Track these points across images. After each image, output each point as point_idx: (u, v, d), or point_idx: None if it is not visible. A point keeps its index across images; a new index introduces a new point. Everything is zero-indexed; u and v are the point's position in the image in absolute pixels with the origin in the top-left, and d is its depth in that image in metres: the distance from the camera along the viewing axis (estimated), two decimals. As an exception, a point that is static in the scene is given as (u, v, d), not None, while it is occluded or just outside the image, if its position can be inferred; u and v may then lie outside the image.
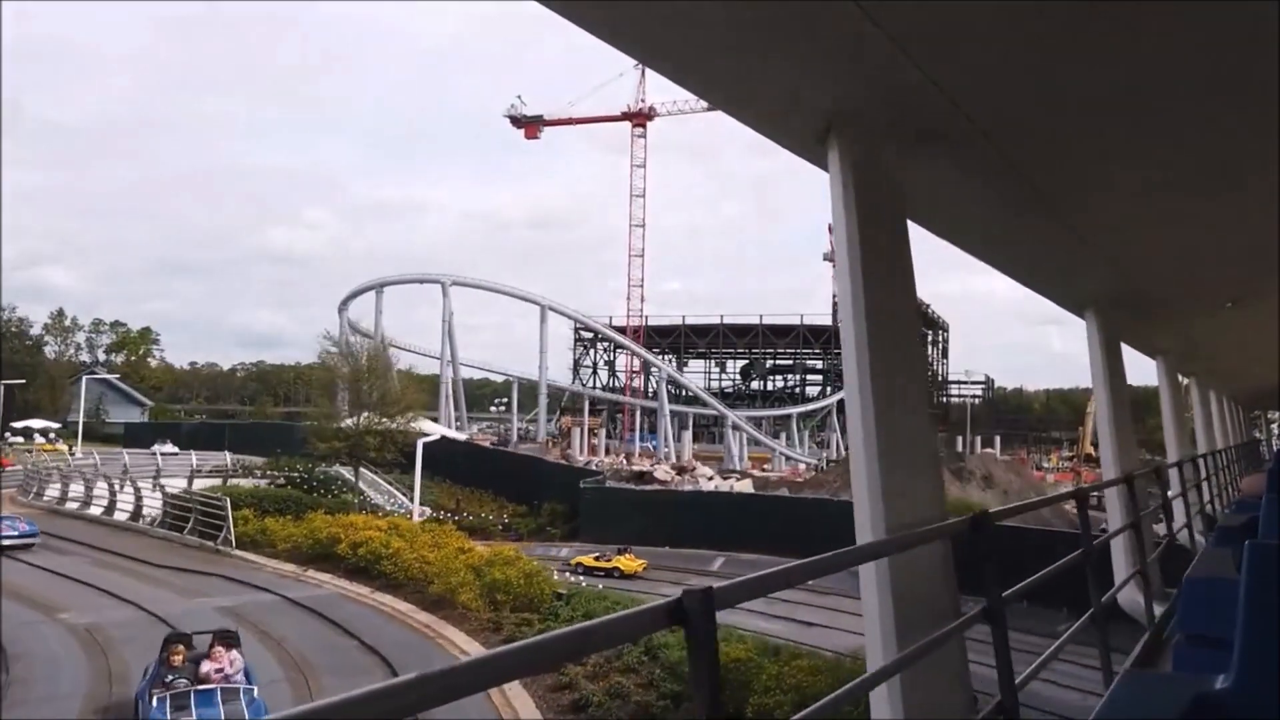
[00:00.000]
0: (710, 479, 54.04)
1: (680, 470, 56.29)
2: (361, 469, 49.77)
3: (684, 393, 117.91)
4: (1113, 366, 8.53)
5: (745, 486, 52.05)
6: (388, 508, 47.90)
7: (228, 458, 49.14)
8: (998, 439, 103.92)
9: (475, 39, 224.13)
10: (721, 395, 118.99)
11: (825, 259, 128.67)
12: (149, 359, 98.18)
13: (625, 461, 62.42)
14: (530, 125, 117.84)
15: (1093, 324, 8.40)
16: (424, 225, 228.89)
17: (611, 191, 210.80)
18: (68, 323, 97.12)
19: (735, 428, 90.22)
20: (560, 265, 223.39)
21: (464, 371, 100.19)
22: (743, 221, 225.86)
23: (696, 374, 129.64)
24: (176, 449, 56.15)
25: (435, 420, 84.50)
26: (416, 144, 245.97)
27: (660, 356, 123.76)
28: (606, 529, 45.07)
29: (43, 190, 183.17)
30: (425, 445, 55.49)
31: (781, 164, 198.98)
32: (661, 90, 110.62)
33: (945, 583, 3.66)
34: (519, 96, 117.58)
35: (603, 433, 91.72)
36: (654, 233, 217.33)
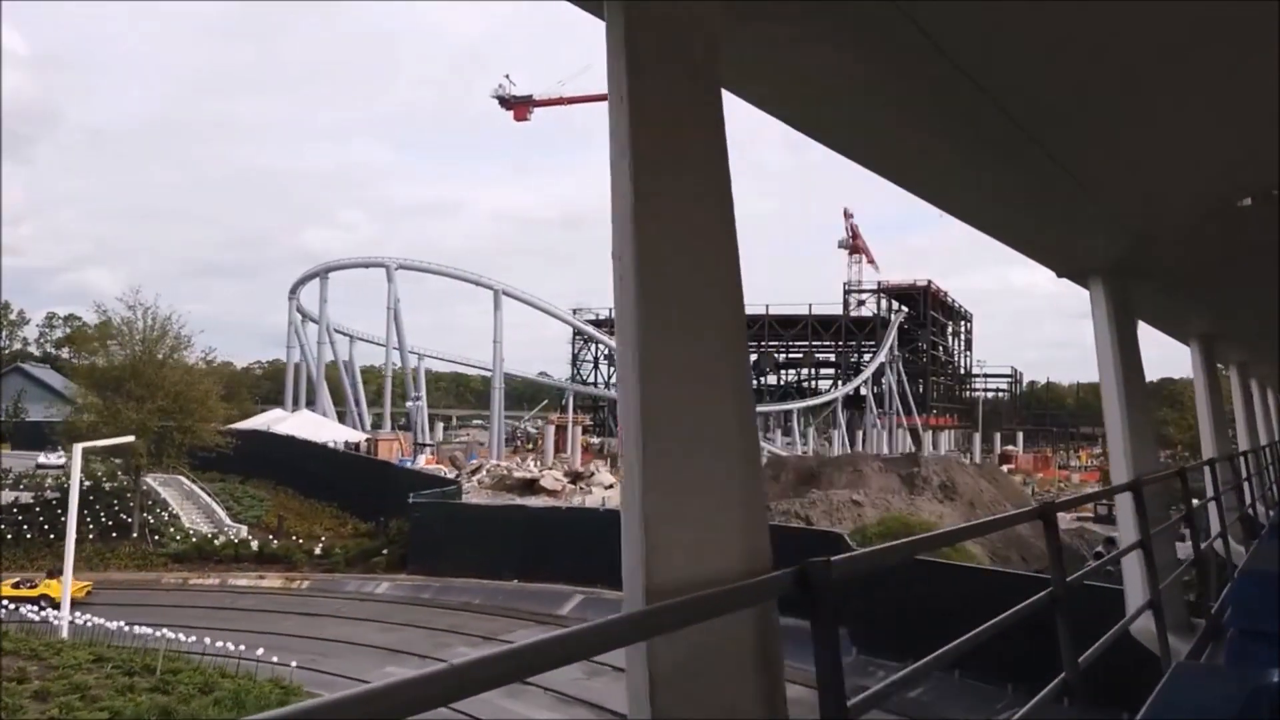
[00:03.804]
0: (609, 487, 42.52)
1: (575, 477, 44.74)
2: (179, 476, 39.53)
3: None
4: (1125, 348, 6.99)
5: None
6: (202, 528, 37.45)
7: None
8: (1020, 435, 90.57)
9: (511, 37, 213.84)
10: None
11: (840, 246, 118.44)
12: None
13: (535, 465, 50.95)
14: (519, 106, 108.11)
15: (1100, 296, 6.92)
16: (457, 224, 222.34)
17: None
18: (14, 315, 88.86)
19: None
20: (592, 261, 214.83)
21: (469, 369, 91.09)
22: (779, 215, 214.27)
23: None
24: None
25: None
26: (447, 144, 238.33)
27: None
28: (442, 556, 34.02)
29: (85, 194, 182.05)
30: (266, 445, 45.33)
31: (809, 159, 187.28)
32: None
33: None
34: (507, 76, 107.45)
35: (577, 432, 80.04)
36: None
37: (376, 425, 77.13)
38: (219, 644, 22.05)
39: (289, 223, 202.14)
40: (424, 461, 57.81)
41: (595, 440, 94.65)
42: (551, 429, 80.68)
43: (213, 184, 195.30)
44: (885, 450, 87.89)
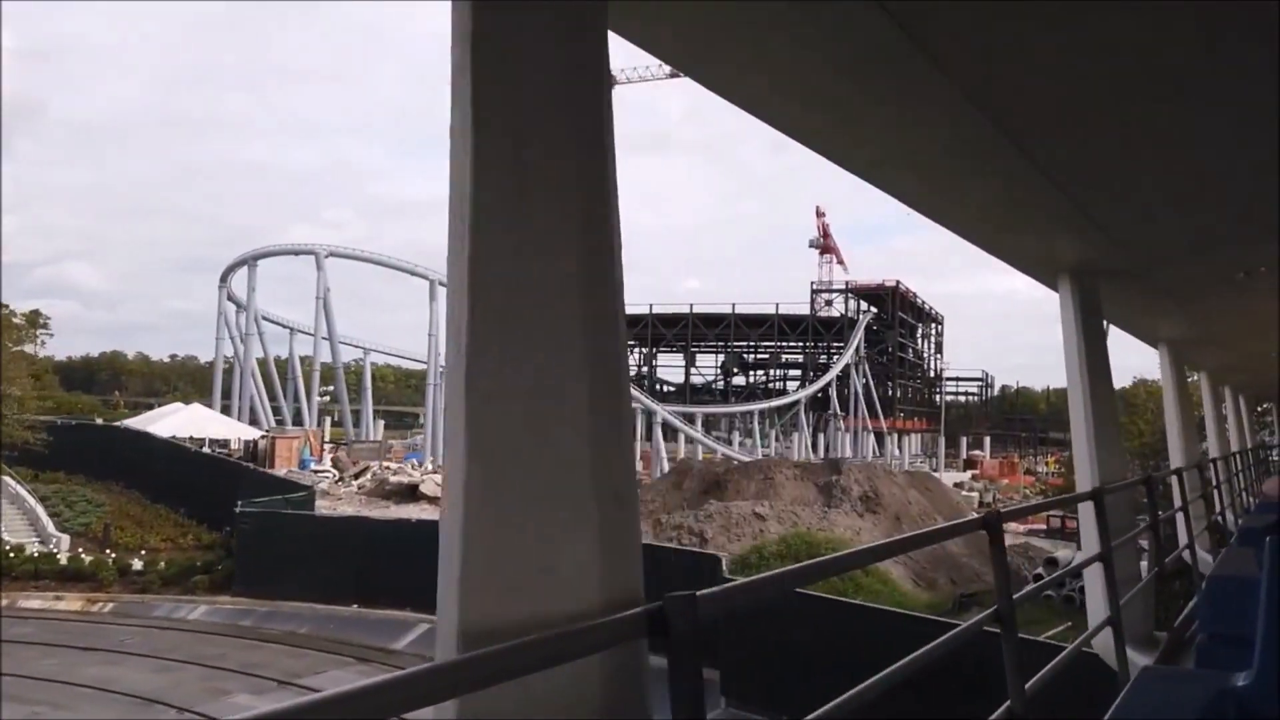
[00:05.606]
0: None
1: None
2: (4, 477, 33.86)
3: (661, 387, 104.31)
4: (1092, 350, 6.53)
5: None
6: (15, 538, 31.69)
7: None
8: (987, 440, 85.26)
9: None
10: (691, 391, 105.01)
11: (811, 245, 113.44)
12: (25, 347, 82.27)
13: (414, 470, 45.15)
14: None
15: (1067, 295, 6.52)
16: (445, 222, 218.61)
17: (638, 190, 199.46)
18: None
19: (665, 425, 72.97)
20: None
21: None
22: (759, 218, 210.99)
23: (675, 369, 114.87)
24: None
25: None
26: (439, 143, 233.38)
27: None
28: (274, 576, 28.44)
29: (68, 188, 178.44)
30: (121, 443, 39.65)
31: (792, 161, 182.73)
32: (626, 56, 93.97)
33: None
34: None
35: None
36: (680, 231, 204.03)
37: (319, 422, 72.19)
38: None
39: (276, 220, 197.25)
40: (329, 462, 52.11)
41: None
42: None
43: (199, 180, 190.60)
44: (849, 453, 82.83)
